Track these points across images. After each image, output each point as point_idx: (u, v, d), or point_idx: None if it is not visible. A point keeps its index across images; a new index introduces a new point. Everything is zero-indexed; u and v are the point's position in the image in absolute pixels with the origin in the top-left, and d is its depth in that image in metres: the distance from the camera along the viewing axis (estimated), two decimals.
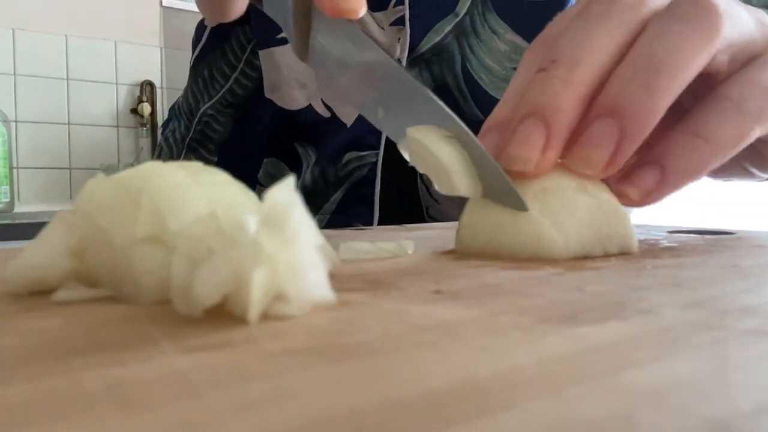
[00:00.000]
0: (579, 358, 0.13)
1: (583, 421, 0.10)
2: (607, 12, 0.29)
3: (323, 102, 0.63)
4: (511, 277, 0.22)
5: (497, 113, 0.31)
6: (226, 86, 0.68)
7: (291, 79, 0.64)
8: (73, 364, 0.12)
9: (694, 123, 0.28)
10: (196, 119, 0.69)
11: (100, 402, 0.10)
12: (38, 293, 0.19)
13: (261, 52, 0.65)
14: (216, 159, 0.68)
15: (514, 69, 0.63)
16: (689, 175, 0.28)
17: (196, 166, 0.21)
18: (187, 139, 0.70)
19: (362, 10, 0.28)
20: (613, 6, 0.29)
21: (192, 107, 0.70)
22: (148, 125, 2.15)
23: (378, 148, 0.61)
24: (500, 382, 0.11)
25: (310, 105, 0.63)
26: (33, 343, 0.14)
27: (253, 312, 0.15)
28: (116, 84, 2.12)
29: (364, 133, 0.61)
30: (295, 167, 0.65)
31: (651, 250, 0.29)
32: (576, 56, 0.28)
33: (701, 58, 0.28)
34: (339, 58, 0.31)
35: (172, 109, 0.76)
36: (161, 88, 2.20)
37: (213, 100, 0.68)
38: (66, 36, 2.03)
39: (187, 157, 0.69)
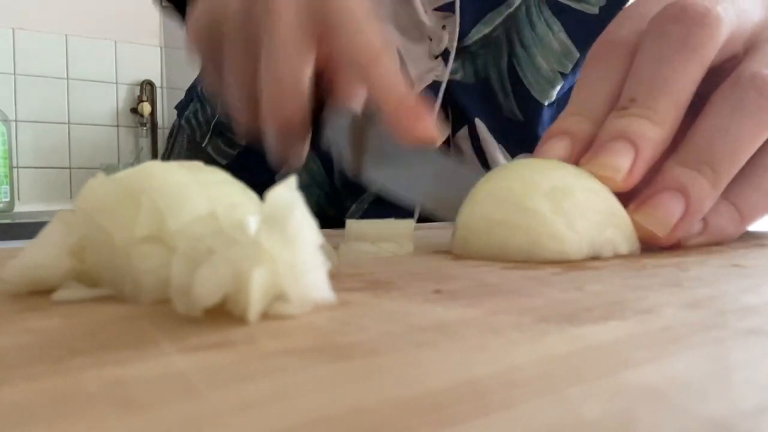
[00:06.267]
0: (579, 358, 0.13)
1: (583, 421, 0.10)
2: (685, 38, 0.30)
3: None
4: (511, 277, 0.22)
5: (564, 124, 0.32)
6: None
7: None
8: (73, 364, 0.12)
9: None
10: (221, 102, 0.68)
11: (100, 402, 0.10)
12: (38, 293, 0.19)
13: None
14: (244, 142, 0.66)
15: (561, 74, 0.62)
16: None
17: (197, 165, 0.21)
18: (213, 122, 0.68)
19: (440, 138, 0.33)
20: (691, 29, 0.30)
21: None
22: (148, 125, 2.15)
23: None
24: (500, 382, 0.11)
25: None
26: (33, 343, 0.14)
27: (253, 312, 0.15)
28: (116, 84, 2.12)
29: None
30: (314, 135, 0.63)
31: (651, 249, 0.29)
32: (655, 96, 0.29)
33: (759, 143, 0.30)
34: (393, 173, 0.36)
35: (190, 91, 0.74)
36: (161, 87, 2.20)
37: None
38: (66, 36, 2.03)
39: (212, 140, 0.68)
